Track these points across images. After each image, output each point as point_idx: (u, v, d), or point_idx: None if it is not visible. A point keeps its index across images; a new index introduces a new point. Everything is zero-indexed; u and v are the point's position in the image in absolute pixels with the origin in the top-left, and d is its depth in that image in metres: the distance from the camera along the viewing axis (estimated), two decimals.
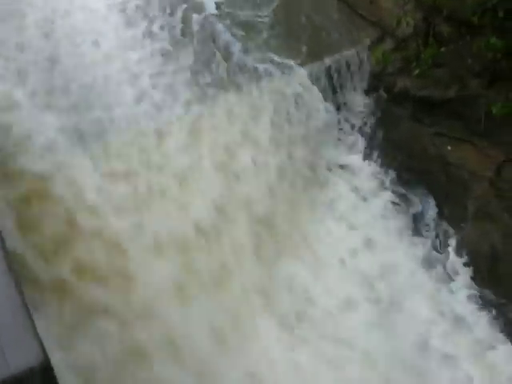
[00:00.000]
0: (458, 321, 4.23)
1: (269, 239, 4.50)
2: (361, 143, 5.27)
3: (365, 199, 5.10)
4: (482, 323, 4.23)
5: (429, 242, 4.67)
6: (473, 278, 4.43)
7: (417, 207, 4.89)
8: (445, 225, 4.66)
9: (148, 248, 3.91)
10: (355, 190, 5.16)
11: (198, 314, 3.91)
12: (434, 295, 4.43)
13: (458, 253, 4.51)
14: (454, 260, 4.48)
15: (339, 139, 5.23)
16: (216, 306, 4.02)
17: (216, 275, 4.10)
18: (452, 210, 4.68)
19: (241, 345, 3.96)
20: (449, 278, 4.48)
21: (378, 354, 4.05)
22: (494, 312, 4.22)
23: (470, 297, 4.37)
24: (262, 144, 4.75)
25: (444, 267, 4.53)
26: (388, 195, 5.06)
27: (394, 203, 5.02)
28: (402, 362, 4.06)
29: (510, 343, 4.16)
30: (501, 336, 4.20)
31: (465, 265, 4.46)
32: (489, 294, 4.27)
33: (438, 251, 4.60)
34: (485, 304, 4.26)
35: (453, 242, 4.58)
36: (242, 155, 4.58)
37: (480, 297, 4.30)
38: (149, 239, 3.93)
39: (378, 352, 4.06)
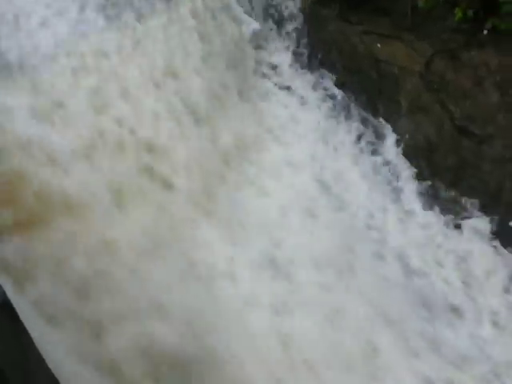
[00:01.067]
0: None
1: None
2: (291, 45, 5.32)
3: (297, 99, 5.20)
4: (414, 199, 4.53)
5: (367, 139, 4.85)
6: (408, 166, 4.66)
7: (350, 105, 5.04)
8: (381, 120, 4.83)
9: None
10: (286, 89, 5.26)
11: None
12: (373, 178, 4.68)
13: (395, 145, 4.72)
14: (392, 151, 4.69)
15: (268, 41, 5.26)
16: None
17: None
18: (386, 106, 4.84)
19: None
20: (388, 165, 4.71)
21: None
22: (429, 193, 4.51)
23: (407, 181, 4.63)
24: (193, 54, 4.80)
25: (384, 162, 4.74)
26: (319, 94, 5.18)
27: (326, 101, 5.15)
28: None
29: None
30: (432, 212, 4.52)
31: (402, 155, 4.67)
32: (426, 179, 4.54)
33: (376, 146, 4.79)
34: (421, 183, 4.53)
35: (390, 137, 4.77)
36: (176, 62, 4.65)
37: (419, 184, 4.55)
38: None
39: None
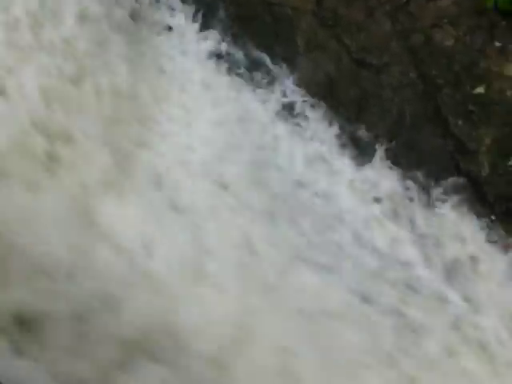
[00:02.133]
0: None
1: None
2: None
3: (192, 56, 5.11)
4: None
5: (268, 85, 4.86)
6: (312, 106, 4.70)
7: (247, 53, 5.02)
8: (281, 65, 4.84)
9: None
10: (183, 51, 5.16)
11: None
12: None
13: (297, 86, 4.74)
14: (294, 91, 4.72)
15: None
16: None
17: None
18: (284, 48, 4.86)
19: None
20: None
21: None
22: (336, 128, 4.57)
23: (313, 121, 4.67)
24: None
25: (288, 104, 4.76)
26: (212, 46, 5.11)
27: (220, 56, 5.09)
28: None
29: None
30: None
31: (304, 95, 4.71)
32: (332, 116, 4.60)
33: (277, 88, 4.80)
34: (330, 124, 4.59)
35: (291, 79, 4.78)
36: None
37: (324, 118, 4.61)
38: None
39: None
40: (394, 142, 4.41)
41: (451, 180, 4.17)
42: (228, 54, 5.04)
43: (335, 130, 4.50)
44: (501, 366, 3.54)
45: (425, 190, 4.19)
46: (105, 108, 4.36)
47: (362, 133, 4.51)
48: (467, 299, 3.81)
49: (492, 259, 3.89)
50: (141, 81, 4.64)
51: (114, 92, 4.44)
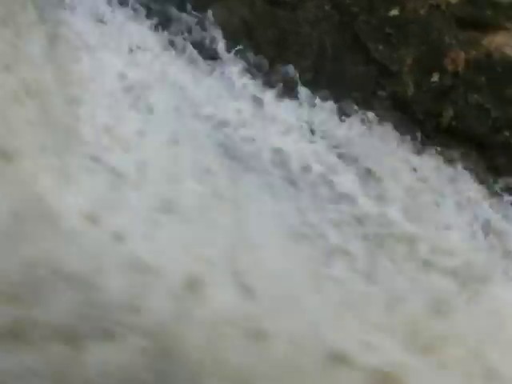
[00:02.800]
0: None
1: None
2: None
3: None
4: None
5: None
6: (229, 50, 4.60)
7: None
8: (195, 14, 4.73)
9: None
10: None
11: None
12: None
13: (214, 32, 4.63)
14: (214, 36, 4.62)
15: None
16: None
17: None
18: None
19: None
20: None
21: None
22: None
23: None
24: None
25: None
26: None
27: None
28: None
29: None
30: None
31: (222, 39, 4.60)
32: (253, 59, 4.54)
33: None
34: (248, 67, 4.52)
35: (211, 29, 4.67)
36: None
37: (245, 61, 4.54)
38: None
39: None
40: (318, 76, 4.40)
41: (379, 103, 4.21)
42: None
43: (258, 70, 4.45)
44: None
45: (355, 116, 4.21)
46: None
47: (286, 71, 4.48)
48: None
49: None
50: None
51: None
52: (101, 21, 4.72)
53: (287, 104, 4.40)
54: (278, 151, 4.15)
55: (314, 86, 4.41)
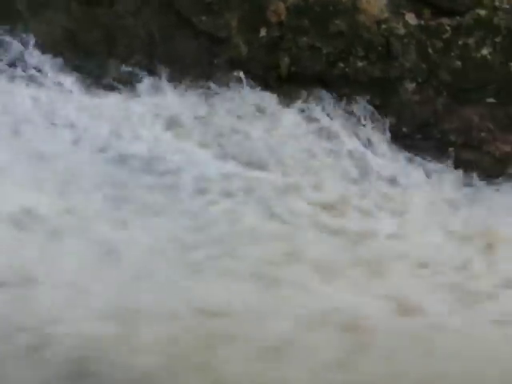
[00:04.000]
0: None
1: None
2: None
3: None
4: None
5: None
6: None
7: None
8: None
9: None
10: None
11: None
12: None
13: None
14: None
15: None
16: None
17: None
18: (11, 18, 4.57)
19: None
20: None
21: None
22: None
23: None
24: None
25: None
26: None
27: None
28: None
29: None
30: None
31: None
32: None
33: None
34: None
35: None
36: None
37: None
38: None
39: None
40: (155, 62, 4.39)
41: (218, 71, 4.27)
42: None
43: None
44: None
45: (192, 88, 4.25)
46: None
47: (123, 68, 4.43)
48: None
49: None
50: None
51: None
52: None
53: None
54: None
55: (155, 73, 4.37)
